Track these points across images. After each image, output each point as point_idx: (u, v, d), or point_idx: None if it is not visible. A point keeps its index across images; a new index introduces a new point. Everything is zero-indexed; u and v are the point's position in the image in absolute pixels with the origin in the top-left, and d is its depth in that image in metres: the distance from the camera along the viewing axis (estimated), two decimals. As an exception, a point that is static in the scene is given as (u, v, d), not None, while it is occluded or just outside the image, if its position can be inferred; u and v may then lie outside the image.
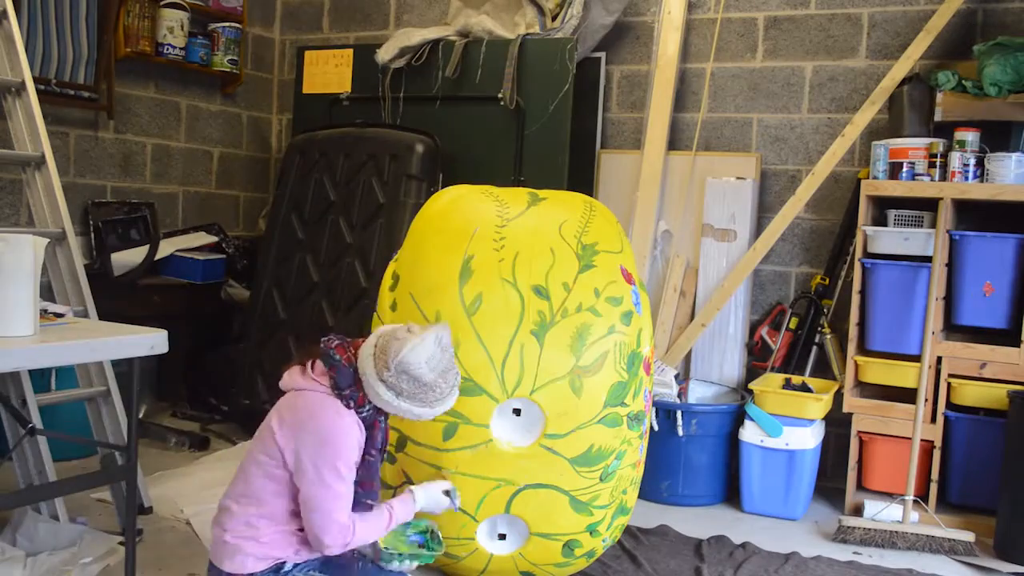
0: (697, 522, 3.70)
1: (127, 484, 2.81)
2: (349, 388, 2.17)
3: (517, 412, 2.69)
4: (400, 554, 2.32)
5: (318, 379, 2.20)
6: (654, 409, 3.84)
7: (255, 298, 4.66)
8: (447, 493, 2.44)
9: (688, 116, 4.63)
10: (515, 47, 4.49)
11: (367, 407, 2.19)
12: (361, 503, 2.23)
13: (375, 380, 2.14)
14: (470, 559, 2.78)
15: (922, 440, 3.66)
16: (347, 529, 2.13)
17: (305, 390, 2.20)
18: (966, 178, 3.69)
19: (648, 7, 4.71)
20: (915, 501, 3.60)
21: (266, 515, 2.17)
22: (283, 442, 2.14)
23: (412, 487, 2.41)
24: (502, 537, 2.79)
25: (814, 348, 4.30)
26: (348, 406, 2.16)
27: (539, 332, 2.62)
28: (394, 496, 2.40)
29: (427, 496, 2.39)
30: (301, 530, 2.17)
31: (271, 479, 2.16)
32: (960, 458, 3.74)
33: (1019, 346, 3.62)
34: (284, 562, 2.18)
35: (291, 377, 2.26)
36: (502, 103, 4.49)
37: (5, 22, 3.35)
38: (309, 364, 2.23)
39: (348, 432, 2.14)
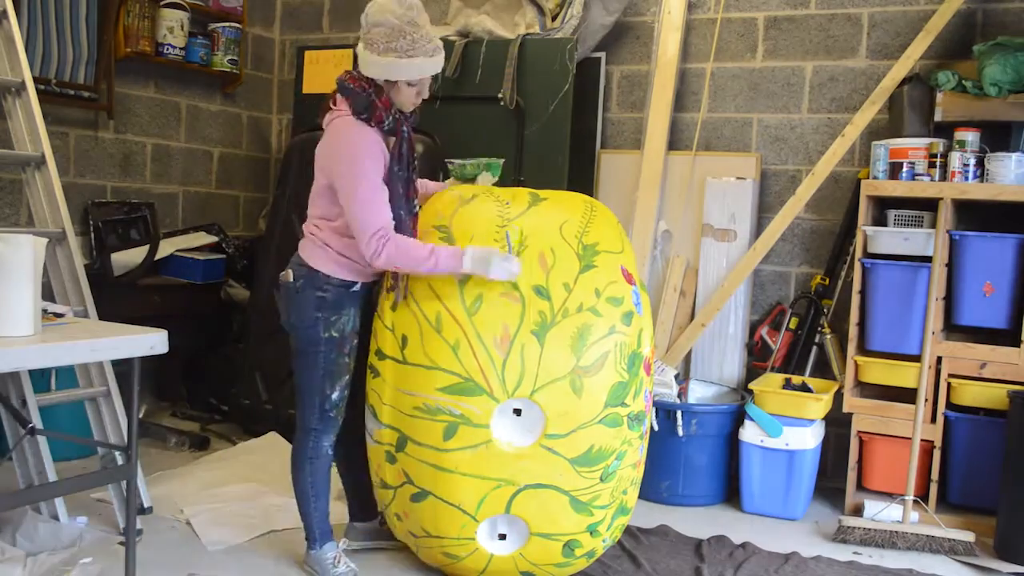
0: (697, 522, 3.70)
1: (127, 484, 2.80)
2: (366, 110, 2.56)
3: (517, 412, 2.69)
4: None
5: (339, 108, 2.63)
6: (654, 409, 3.84)
7: (255, 298, 4.66)
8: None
9: (688, 116, 4.63)
10: (515, 47, 4.49)
11: (386, 121, 2.58)
12: (403, 223, 2.61)
13: (363, 54, 2.53)
14: (470, 559, 2.78)
15: (922, 440, 3.66)
16: (384, 238, 2.51)
17: (333, 119, 2.63)
18: (966, 178, 3.69)
19: (648, 7, 4.71)
20: (915, 501, 3.60)
21: (330, 230, 2.69)
22: (321, 163, 2.65)
23: (468, 248, 2.59)
24: (502, 537, 2.79)
25: (814, 348, 4.30)
26: (369, 124, 2.57)
27: (540, 332, 2.62)
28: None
29: (475, 259, 2.56)
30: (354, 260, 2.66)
31: (320, 194, 2.71)
32: (960, 458, 3.74)
33: (1019, 346, 3.62)
34: (330, 276, 2.70)
35: (323, 115, 2.72)
36: (502, 103, 4.49)
37: (5, 22, 3.35)
38: (330, 100, 2.67)
39: (369, 145, 2.55)
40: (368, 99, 2.55)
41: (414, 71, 2.55)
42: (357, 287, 2.75)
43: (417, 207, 2.77)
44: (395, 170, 2.62)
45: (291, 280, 2.74)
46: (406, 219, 2.66)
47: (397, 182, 2.62)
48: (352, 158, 2.53)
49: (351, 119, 2.57)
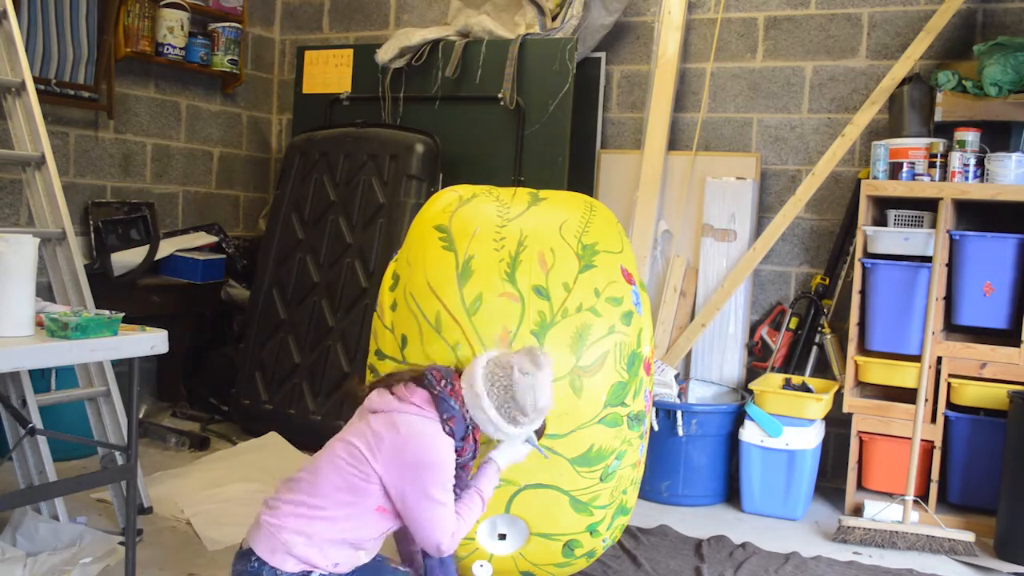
0: (697, 522, 3.70)
1: (127, 484, 2.81)
2: (451, 418, 2.29)
3: (503, 537, 2.73)
4: None
5: (417, 403, 2.28)
6: (654, 409, 3.84)
7: (255, 298, 4.66)
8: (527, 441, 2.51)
9: (688, 116, 4.63)
10: (515, 47, 4.49)
11: (464, 431, 2.32)
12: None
13: (505, 425, 2.33)
14: (470, 559, 2.78)
15: (922, 440, 3.66)
16: (456, 532, 2.28)
17: (404, 413, 2.27)
18: (966, 178, 3.69)
19: (648, 7, 4.71)
20: (915, 501, 3.60)
21: (327, 519, 2.20)
22: (381, 468, 2.20)
23: (491, 454, 2.45)
24: (502, 537, 2.79)
25: (814, 348, 4.30)
26: (446, 431, 2.28)
27: (539, 332, 2.62)
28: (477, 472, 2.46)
29: (507, 457, 2.46)
30: (352, 543, 2.23)
31: (349, 490, 2.21)
32: (960, 458, 3.74)
33: (1019, 346, 3.62)
34: (312, 571, 2.20)
35: (382, 398, 2.32)
36: (502, 103, 4.49)
37: (5, 22, 3.35)
38: (402, 386, 2.32)
39: (448, 455, 2.26)
40: (466, 430, 2.33)
41: (520, 434, 2.42)
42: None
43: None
44: (459, 472, 2.37)
45: None
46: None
47: (460, 480, 2.40)
48: (438, 473, 2.24)
49: (429, 422, 2.27)
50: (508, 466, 2.48)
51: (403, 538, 2.56)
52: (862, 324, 3.93)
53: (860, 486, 3.96)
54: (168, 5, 4.79)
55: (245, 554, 2.22)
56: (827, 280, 4.28)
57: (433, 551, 2.29)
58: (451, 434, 2.28)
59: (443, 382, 2.32)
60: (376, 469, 2.19)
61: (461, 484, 2.37)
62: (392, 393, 2.30)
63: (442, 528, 2.24)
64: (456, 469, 2.32)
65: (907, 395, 3.79)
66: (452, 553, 2.34)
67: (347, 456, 2.22)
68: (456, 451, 2.31)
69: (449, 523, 2.26)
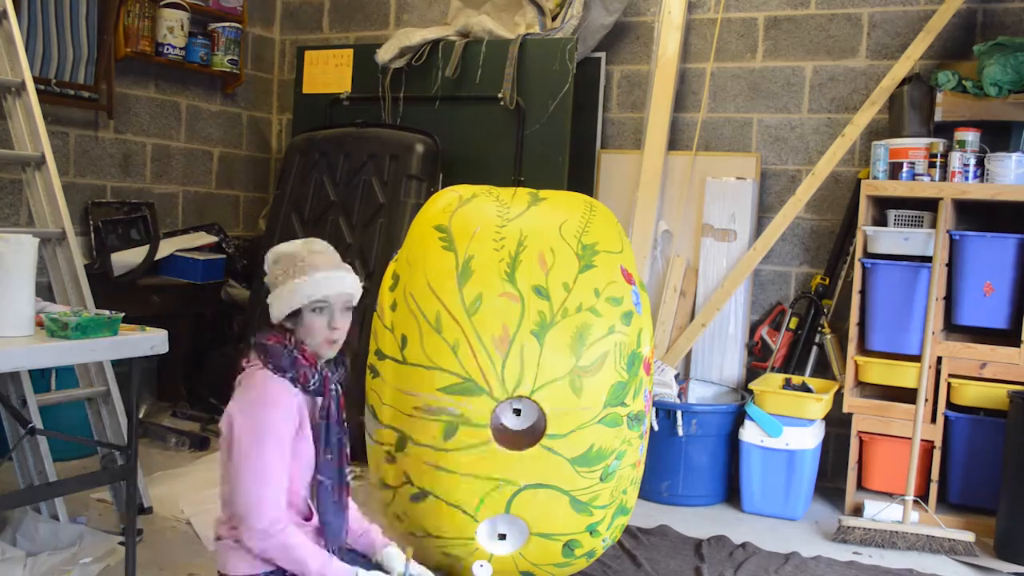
0: (697, 522, 3.70)
1: (127, 484, 2.81)
2: (291, 367, 2.12)
3: (517, 412, 2.69)
4: None
5: (254, 363, 2.16)
6: (654, 409, 3.84)
7: (255, 298, 4.66)
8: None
9: (688, 116, 4.63)
10: (515, 47, 4.49)
11: (312, 382, 2.15)
12: (327, 495, 2.19)
13: (269, 301, 2.18)
14: (469, 560, 2.78)
15: (922, 440, 3.66)
16: (274, 519, 2.03)
17: (243, 375, 2.18)
18: (966, 178, 3.69)
19: (648, 7, 4.71)
20: (915, 501, 3.60)
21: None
22: (223, 422, 2.11)
23: (358, 569, 2.14)
24: (502, 537, 2.79)
25: (814, 348, 4.30)
26: (294, 385, 2.13)
27: (539, 332, 2.62)
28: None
29: None
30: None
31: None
32: (960, 458, 3.74)
33: (1019, 346, 3.62)
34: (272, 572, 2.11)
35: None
36: (502, 103, 4.49)
37: (5, 22, 3.35)
38: (244, 359, 2.21)
39: (277, 396, 2.09)
40: (291, 355, 2.13)
41: (314, 288, 2.13)
42: None
43: (350, 476, 2.28)
44: (320, 422, 2.18)
45: None
46: (332, 489, 2.21)
47: (326, 447, 2.19)
48: (264, 417, 2.06)
49: (262, 370, 2.12)
50: None
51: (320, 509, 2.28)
52: (862, 324, 3.93)
53: (860, 486, 3.96)
54: (168, 5, 4.79)
55: None
56: (827, 280, 4.28)
57: (239, 526, 2.06)
58: (296, 383, 2.11)
59: (270, 337, 2.18)
60: (222, 427, 2.12)
61: (330, 442, 2.18)
62: (241, 368, 2.21)
63: (250, 494, 2.02)
64: (317, 420, 2.16)
65: (907, 395, 3.79)
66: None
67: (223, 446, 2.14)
68: (313, 396, 2.16)
69: (263, 491, 2.02)
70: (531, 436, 2.67)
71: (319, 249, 2.21)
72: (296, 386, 2.13)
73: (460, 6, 4.95)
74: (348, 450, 2.26)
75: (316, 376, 2.16)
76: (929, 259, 3.75)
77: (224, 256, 5.07)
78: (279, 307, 2.16)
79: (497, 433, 2.65)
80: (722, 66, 4.57)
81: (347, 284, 2.19)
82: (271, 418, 2.07)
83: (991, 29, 4.04)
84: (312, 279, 2.14)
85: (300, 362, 2.14)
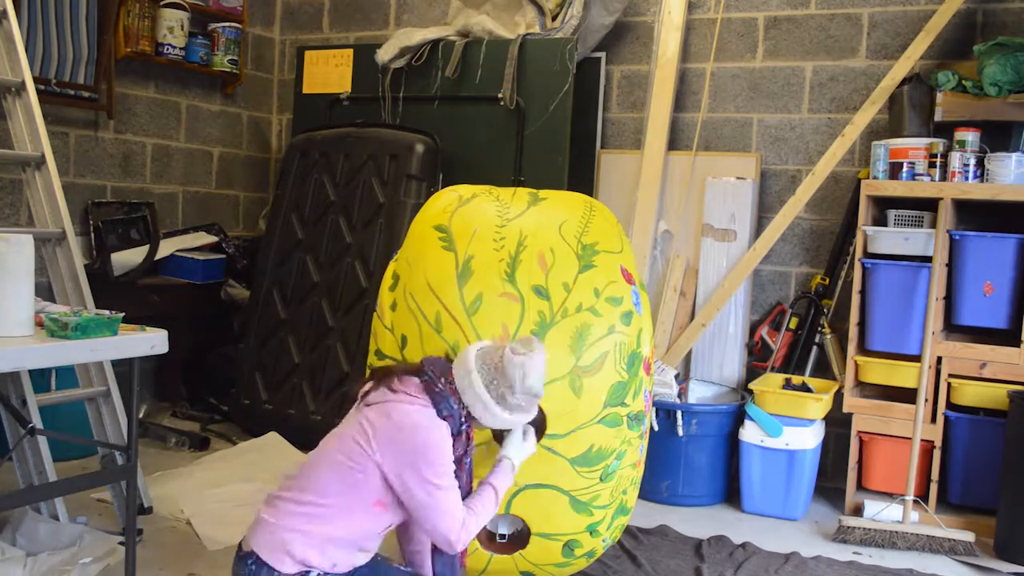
0: (697, 522, 3.70)
1: (127, 484, 2.81)
2: (448, 415, 2.27)
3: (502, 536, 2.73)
4: None
5: (410, 392, 2.26)
6: (654, 409, 3.84)
7: (255, 298, 4.66)
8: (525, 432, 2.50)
9: (688, 116, 4.63)
10: (515, 47, 4.49)
11: (458, 427, 2.30)
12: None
13: (494, 406, 2.29)
14: (470, 559, 2.78)
15: (922, 440, 3.66)
16: (466, 524, 2.25)
17: (396, 402, 2.24)
18: (966, 178, 3.69)
19: (648, 7, 4.71)
20: (915, 501, 3.60)
21: (326, 516, 2.18)
22: (379, 457, 2.18)
23: (502, 451, 2.44)
24: (502, 537, 2.79)
25: (814, 348, 4.30)
26: (441, 416, 2.26)
27: (539, 332, 2.62)
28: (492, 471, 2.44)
29: (518, 452, 2.46)
30: (351, 542, 2.21)
31: (347, 485, 2.19)
32: (960, 458, 3.74)
33: (1019, 346, 3.62)
34: (310, 572, 2.18)
35: (377, 391, 2.30)
36: (502, 103, 4.49)
37: (5, 22, 3.35)
38: (396, 379, 2.30)
39: (445, 441, 2.23)
40: (460, 427, 2.30)
41: (510, 420, 2.37)
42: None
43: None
44: (461, 465, 2.37)
45: None
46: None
47: (465, 475, 2.40)
48: (438, 459, 2.21)
49: (424, 410, 2.25)
50: (520, 462, 2.46)
51: (406, 538, 2.53)
52: (862, 324, 3.93)
53: (860, 486, 3.96)
54: (168, 5, 4.79)
55: (244, 556, 2.21)
56: (827, 280, 4.28)
57: (443, 543, 2.24)
58: (446, 419, 2.27)
59: (441, 380, 2.31)
60: (374, 459, 2.17)
61: (461, 483, 2.33)
62: (387, 387, 2.29)
63: (449, 516, 2.20)
64: (457, 462, 2.31)
65: (907, 395, 3.79)
66: (463, 552, 2.31)
67: (343, 450, 2.21)
68: (454, 436, 2.30)
69: (455, 512, 2.21)
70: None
71: (540, 381, 2.37)
72: (440, 414, 2.28)
73: (460, 6, 4.95)
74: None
75: (465, 449, 2.35)
76: (929, 259, 3.75)
77: (224, 256, 5.07)
78: (496, 421, 2.33)
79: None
80: (722, 66, 4.57)
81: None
82: (446, 463, 2.23)
83: (991, 29, 4.04)
84: (523, 417, 2.38)
85: (462, 437, 2.32)
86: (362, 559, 2.27)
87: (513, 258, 2.69)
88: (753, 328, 4.45)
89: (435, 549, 2.44)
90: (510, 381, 2.29)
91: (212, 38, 5.12)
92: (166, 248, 4.80)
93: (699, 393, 4.31)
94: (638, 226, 4.48)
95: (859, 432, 3.90)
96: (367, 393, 2.32)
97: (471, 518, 2.27)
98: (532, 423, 2.47)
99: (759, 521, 3.79)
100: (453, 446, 2.29)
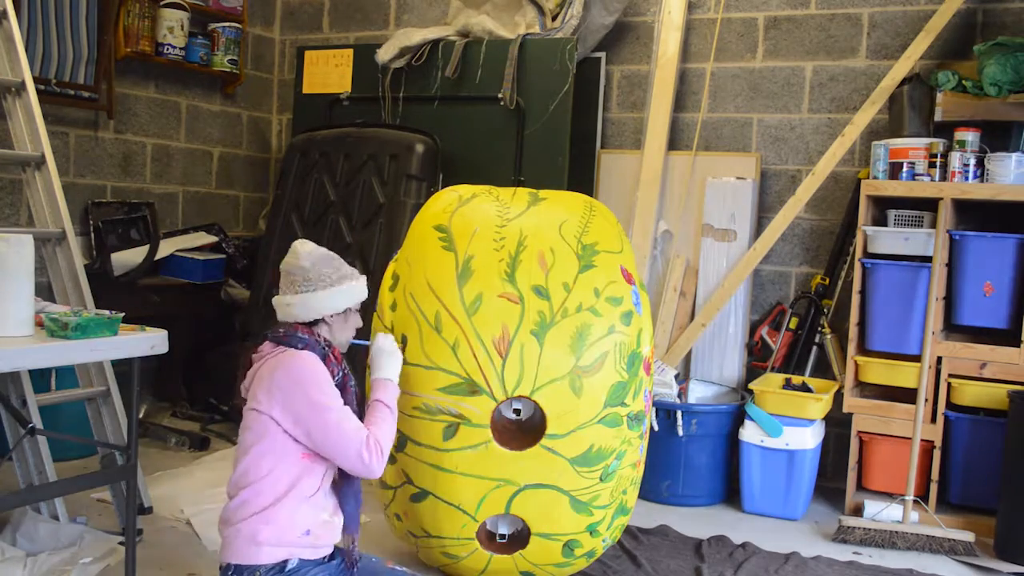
0: (697, 522, 3.70)
1: (127, 484, 2.81)
2: (300, 342, 2.29)
3: (517, 412, 2.70)
4: None
5: (267, 351, 2.32)
6: (654, 409, 3.84)
7: (255, 298, 4.66)
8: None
9: (688, 116, 4.63)
10: (515, 47, 4.49)
11: (336, 376, 2.31)
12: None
13: (298, 298, 2.33)
14: (470, 559, 2.78)
15: (922, 440, 3.66)
16: (371, 439, 2.24)
17: (262, 363, 2.30)
18: (966, 178, 3.69)
19: (648, 7, 4.71)
20: (915, 501, 3.60)
21: (268, 491, 2.21)
22: (272, 410, 2.21)
23: (373, 375, 2.46)
24: (502, 537, 2.79)
25: (814, 348, 4.30)
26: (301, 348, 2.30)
27: (539, 332, 2.62)
28: (372, 401, 2.42)
29: (386, 369, 2.47)
30: (302, 500, 2.22)
31: (267, 454, 2.22)
32: (960, 458, 3.74)
33: (1019, 346, 3.62)
34: (289, 559, 2.22)
35: (246, 378, 2.37)
36: (502, 103, 4.49)
37: (5, 22, 3.35)
38: (250, 356, 2.37)
39: (316, 365, 2.26)
40: (323, 351, 2.31)
41: (362, 291, 2.42)
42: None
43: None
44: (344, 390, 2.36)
45: None
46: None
47: (350, 397, 2.38)
48: (314, 381, 2.23)
49: (289, 351, 2.29)
50: (394, 374, 2.46)
51: (340, 495, 2.40)
52: (862, 324, 3.93)
53: (860, 486, 3.96)
54: (168, 5, 4.79)
55: (223, 571, 2.25)
56: (827, 280, 4.28)
57: (359, 466, 2.23)
58: (303, 350, 2.29)
59: (280, 328, 2.35)
60: (270, 415, 2.21)
61: (352, 408, 2.32)
62: (247, 367, 2.36)
63: (352, 436, 2.20)
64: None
65: (907, 395, 3.78)
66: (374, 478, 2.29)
67: (248, 431, 2.25)
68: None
69: (358, 431, 2.22)
70: (530, 431, 2.68)
71: (337, 270, 2.40)
72: (300, 347, 2.30)
73: (460, 6, 4.95)
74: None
75: (339, 371, 2.34)
76: (929, 259, 3.75)
77: (224, 256, 5.06)
78: (327, 304, 2.34)
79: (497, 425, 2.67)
80: (722, 66, 4.57)
81: (364, 288, 2.46)
82: (324, 382, 2.25)
83: (991, 29, 4.04)
84: (360, 283, 2.41)
85: (329, 359, 2.32)
86: (330, 519, 2.29)
87: (513, 258, 2.69)
88: (753, 328, 4.45)
89: (341, 480, 2.37)
90: (290, 267, 2.34)
91: (212, 38, 5.12)
92: (166, 248, 4.79)
93: (699, 393, 4.31)
94: (638, 226, 4.48)
95: (859, 432, 3.90)
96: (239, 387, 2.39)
97: (376, 431, 2.27)
98: (396, 356, 2.49)
99: (759, 521, 3.79)
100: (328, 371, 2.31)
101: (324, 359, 2.30)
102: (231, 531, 2.23)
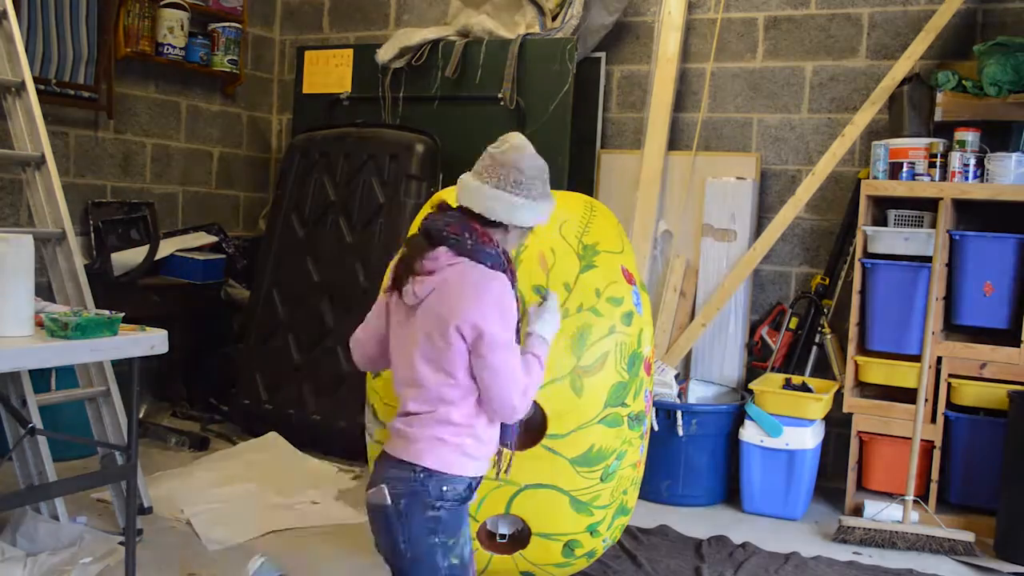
0: (697, 522, 3.70)
1: (127, 484, 2.81)
2: (489, 259, 2.10)
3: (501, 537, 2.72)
4: None
5: (448, 262, 2.08)
6: (654, 409, 3.84)
7: (255, 298, 4.66)
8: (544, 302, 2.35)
9: (688, 116, 4.63)
10: (515, 47, 4.49)
11: (504, 266, 2.15)
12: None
13: (517, 198, 2.11)
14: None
15: (922, 440, 3.66)
16: (526, 390, 2.08)
17: (446, 272, 2.07)
18: (966, 178, 3.69)
19: (648, 7, 4.71)
20: (915, 501, 3.60)
21: (456, 401, 2.05)
22: (457, 320, 2.00)
23: (530, 328, 2.24)
24: (503, 537, 2.79)
25: (814, 348, 4.30)
26: (488, 265, 2.10)
27: (539, 332, 2.62)
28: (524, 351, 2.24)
29: (546, 326, 2.26)
30: (482, 416, 2.08)
31: (456, 373, 2.04)
32: (960, 458, 3.74)
33: (1019, 346, 3.62)
34: (476, 475, 2.09)
35: (414, 286, 2.10)
36: (502, 103, 4.49)
37: (5, 22, 3.35)
38: (420, 261, 2.10)
39: (508, 290, 2.09)
40: (499, 259, 2.12)
41: (548, 212, 2.22)
42: (473, 491, 2.14)
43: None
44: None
45: (388, 502, 2.03)
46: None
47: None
48: (507, 311, 2.05)
49: (479, 266, 2.08)
50: (551, 336, 2.26)
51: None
52: (862, 324, 3.93)
53: (860, 486, 3.96)
54: (168, 5, 4.79)
55: (404, 465, 2.05)
56: (827, 280, 4.28)
57: (508, 413, 2.07)
58: (493, 268, 2.10)
59: (464, 233, 2.11)
60: (462, 332, 2.01)
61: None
62: (418, 275, 2.09)
63: (515, 382, 2.04)
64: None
65: (907, 395, 3.78)
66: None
67: (428, 346, 2.05)
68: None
69: (520, 377, 2.06)
70: (530, 431, 2.67)
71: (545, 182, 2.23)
72: (489, 265, 2.12)
73: (460, 6, 4.95)
74: None
75: (501, 262, 2.14)
76: (929, 259, 3.75)
77: (224, 256, 5.07)
78: (526, 216, 2.13)
79: None
80: (722, 66, 4.57)
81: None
82: (513, 316, 2.07)
83: (991, 29, 4.04)
84: (552, 204, 2.20)
85: (508, 274, 2.13)
86: (494, 433, 2.16)
87: (513, 258, 2.69)
88: (753, 328, 4.45)
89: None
90: (511, 162, 2.14)
91: (212, 38, 5.12)
92: (166, 248, 4.80)
93: (699, 393, 4.31)
94: (638, 226, 4.48)
95: (859, 432, 3.90)
96: (406, 293, 2.12)
97: (530, 381, 2.10)
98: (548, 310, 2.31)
99: (759, 521, 3.79)
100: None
101: (502, 266, 2.12)
102: (432, 437, 2.04)
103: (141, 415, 4.67)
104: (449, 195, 2.96)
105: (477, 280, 2.05)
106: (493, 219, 2.13)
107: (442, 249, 2.10)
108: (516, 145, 2.18)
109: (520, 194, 2.12)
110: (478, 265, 2.08)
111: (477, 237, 2.11)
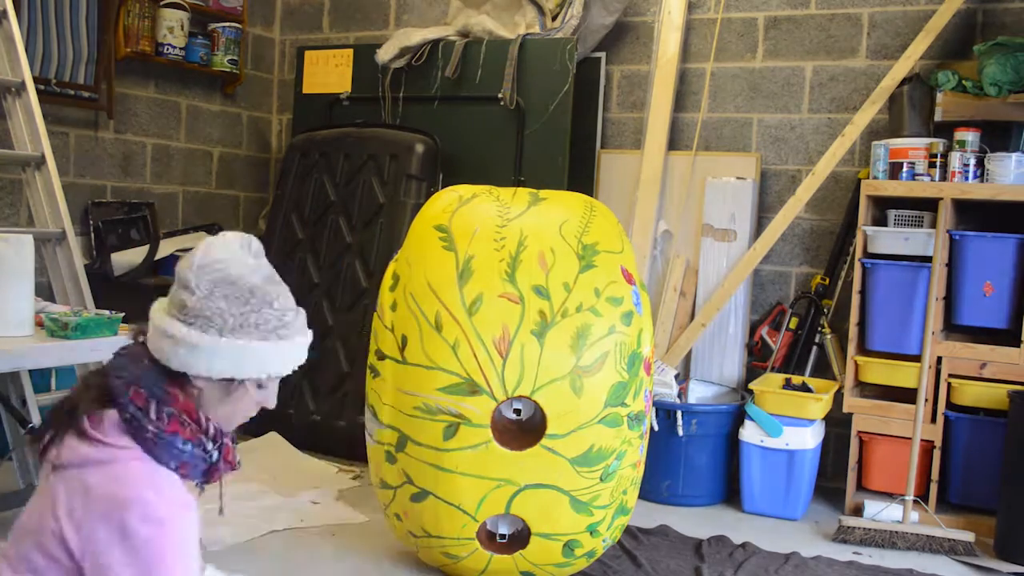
0: (697, 522, 3.70)
1: (127, 484, 2.80)
2: (173, 455, 1.44)
3: (518, 412, 2.70)
4: None
5: (111, 442, 1.43)
6: (654, 409, 3.84)
7: (255, 298, 4.65)
8: None
9: (688, 116, 4.63)
10: (515, 47, 4.49)
11: (205, 454, 1.51)
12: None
13: (190, 335, 1.43)
14: (470, 559, 2.78)
15: (922, 440, 3.66)
16: None
17: (98, 467, 1.43)
18: (966, 178, 3.69)
19: (648, 7, 4.71)
20: (915, 501, 3.60)
21: None
22: (82, 559, 1.41)
23: None
24: (502, 537, 2.79)
25: (814, 348, 4.30)
26: (174, 467, 1.43)
27: (539, 332, 2.62)
28: None
29: None
30: None
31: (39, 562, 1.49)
32: (960, 458, 3.74)
33: (1019, 346, 3.62)
34: None
35: (70, 449, 1.47)
36: (502, 103, 4.49)
37: (5, 22, 3.35)
38: (86, 420, 1.45)
39: (185, 531, 1.39)
40: (203, 456, 1.50)
41: (293, 359, 1.55)
42: None
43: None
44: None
45: None
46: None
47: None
48: (169, 556, 1.38)
49: (146, 471, 1.42)
50: None
51: None
52: (862, 324, 3.93)
53: (860, 486, 3.96)
54: (168, 5, 4.79)
55: None
56: (827, 280, 4.28)
57: None
58: (180, 466, 1.44)
59: (152, 406, 1.44)
60: (70, 547, 1.45)
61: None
62: (75, 434, 1.46)
63: None
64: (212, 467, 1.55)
65: (907, 395, 3.78)
66: None
67: (32, 541, 1.54)
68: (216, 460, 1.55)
69: None
70: (530, 431, 2.68)
71: (285, 290, 1.54)
72: (178, 466, 1.49)
73: (460, 6, 4.95)
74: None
75: (211, 448, 1.54)
76: (929, 259, 3.75)
77: (224, 256, 5.06)
78: (224, 365, 1.46)
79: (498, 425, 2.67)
80: (722, 66, 4.57)
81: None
82: (194, 541, 1.44)
83: (991, 29, 4.04)
84: (295, 346, 1.53)
85: (208, 452, 1.52)
86: None
87: (513, 258, 2.69)
88: (753, 328, 4.45)
89: None
90: (180, 271, 1.46)
91: (212, 38, 5.12)
92: (166, 248, 4.80)
93: (699, 393, 4.31)
94: (638, 226, 4.48)
95: (859, 432, 3.90)
96: (48, 448, 1.53)
97: None
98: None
99: (759, 521, 3.79)
100: (210, 480, 1.52)
101: (211, 469, 1.52)
102: None
103: (141, 415, 4.66)
104: (449, 195, 2.97)
105: (135, 511, 1.38)
106: (180, 372, 1.47)
107: (111, 415, 1.45)
108: (209, 242, 1.48)
109: (212, 329, 1.44)
110: (146, 469, 1.44)
111: (160, 414, 1.44)
